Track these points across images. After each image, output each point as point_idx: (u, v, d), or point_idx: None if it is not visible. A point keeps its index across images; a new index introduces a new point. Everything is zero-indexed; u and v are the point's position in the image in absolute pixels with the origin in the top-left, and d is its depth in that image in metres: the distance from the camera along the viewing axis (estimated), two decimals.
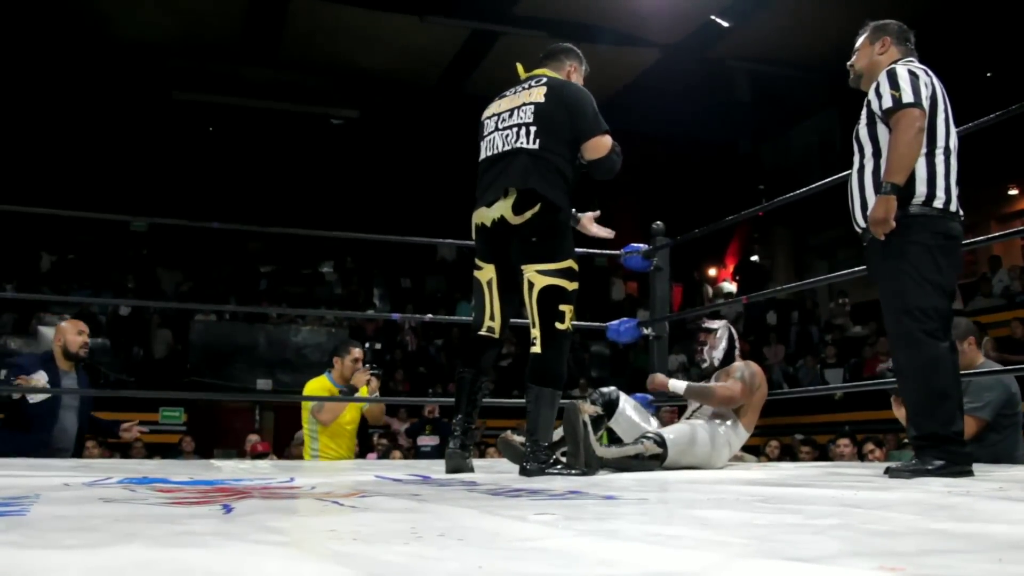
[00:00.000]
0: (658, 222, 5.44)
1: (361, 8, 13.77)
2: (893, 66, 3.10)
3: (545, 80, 3.49)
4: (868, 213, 3.02)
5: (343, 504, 2.03)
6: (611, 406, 4.01)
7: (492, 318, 3.52)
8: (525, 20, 14.01)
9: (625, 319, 5.48)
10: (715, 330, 4.20)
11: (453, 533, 1.48)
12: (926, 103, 3.01)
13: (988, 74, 13.49)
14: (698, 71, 15.43)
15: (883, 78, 3.07)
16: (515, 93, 3.51)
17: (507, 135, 3.40)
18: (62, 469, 3.45)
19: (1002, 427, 4.06)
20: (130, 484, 2.60)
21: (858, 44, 3.36)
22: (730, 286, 18.54)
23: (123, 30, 14.36)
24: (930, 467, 2.83)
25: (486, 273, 3.49)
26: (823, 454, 8.00)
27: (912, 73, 3.03)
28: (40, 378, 4.91)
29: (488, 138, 3.49)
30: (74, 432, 5.06)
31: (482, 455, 8.44)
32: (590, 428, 3.44)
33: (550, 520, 1.69)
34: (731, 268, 19.36)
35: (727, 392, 4.00)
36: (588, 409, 3.59)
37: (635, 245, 5.47)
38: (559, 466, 3.27)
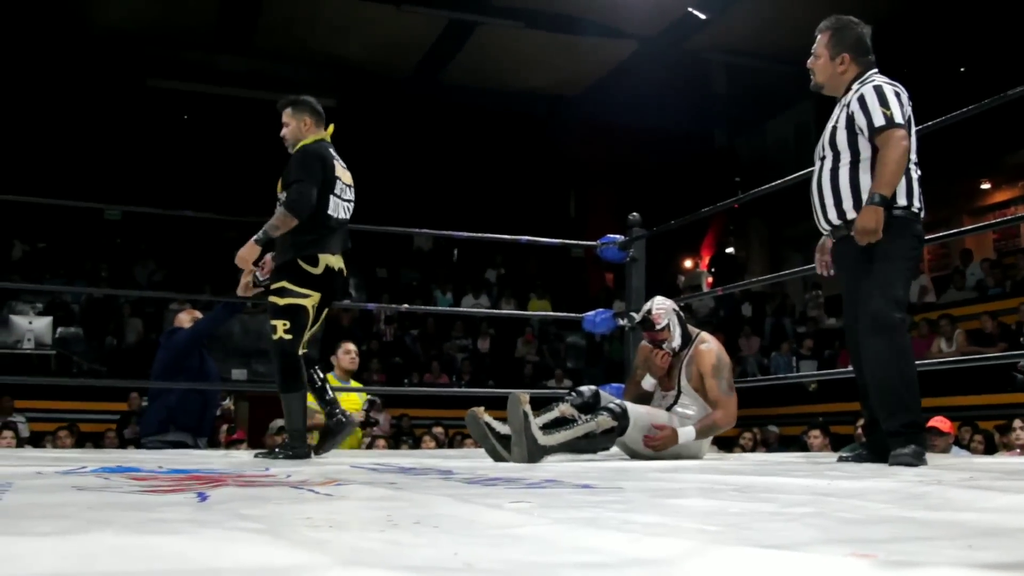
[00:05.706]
0: (634, 213, 5.45)
1: None
2: (880, 84, 3.22)
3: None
4: (857, 221, 3.13)
5: (319, 492, 2.03)
6: (587, 408, 3.80)
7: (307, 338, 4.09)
8: (502, 10, 13.97)
9: (601, 310, 5.50)
10: (665, 326, 4.01)
11: (428, 520, 1.48)
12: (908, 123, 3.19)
13: (962, 69, 13.59)
14: (675, 63, 15.43)
15: (870, 94, 3.19)
16: (342, 165, 4.24)
17: (348, 207, 4.21)
18: (36, 459, 3.42)
19: None
20: (104, 473, 2.58)
21: (817, 48, 3.42)
22: (703, 274, 18.64)
23: (97, 18, 14.21)
24: (924, 453, 3.06)
25: (313, 299, 4.02)
26: (802, 445, 8.04)
27: (897, 95, 3.19)
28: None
29: (342, 203, 4.17)
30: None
31: (451, 445, 8.44)
32: (531, 417, 3.44)
33: (526, 508, 1.69)
34: (706, 260, 19.44)
35: (725, 418, 3.92)
36: (526, 399, 3.52)
37: (611, 236, 5.48)
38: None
